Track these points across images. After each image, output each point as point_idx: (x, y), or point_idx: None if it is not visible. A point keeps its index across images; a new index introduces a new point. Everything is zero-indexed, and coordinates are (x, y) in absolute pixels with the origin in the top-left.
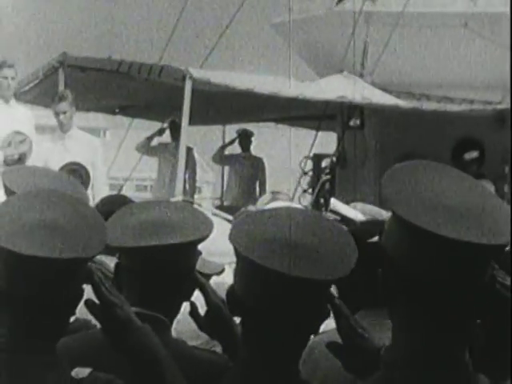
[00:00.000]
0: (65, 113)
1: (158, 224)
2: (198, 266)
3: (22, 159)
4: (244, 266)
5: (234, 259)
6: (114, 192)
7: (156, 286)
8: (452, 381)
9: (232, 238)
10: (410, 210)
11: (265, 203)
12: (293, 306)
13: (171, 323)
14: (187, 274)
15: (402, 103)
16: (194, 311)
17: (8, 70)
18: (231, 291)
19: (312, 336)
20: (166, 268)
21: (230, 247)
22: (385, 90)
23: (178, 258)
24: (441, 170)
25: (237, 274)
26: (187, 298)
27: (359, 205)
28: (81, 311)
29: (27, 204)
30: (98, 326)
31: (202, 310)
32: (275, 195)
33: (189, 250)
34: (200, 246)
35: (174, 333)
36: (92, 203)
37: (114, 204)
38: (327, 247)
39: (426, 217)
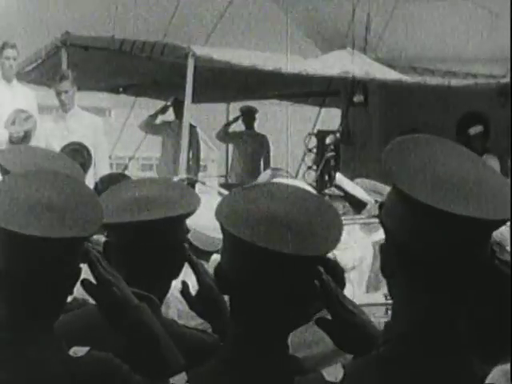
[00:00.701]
0: (66, 92)
1: (145, 200)
2: (199, 243)
3: (27, 137)
4: (230, 242)
5: None
6: (119, 172)
7: (144, 263)
8: (451, 358)
9: (218, 213)
10: (411, 183)
11: (265, 180)
12: (279, 283)
13: (161, 302)
14: (175, 250)
15: (405, 78)
16: (185, 290)
17: (10, 51)
18: (219, 268)
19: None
20: (153, 244)
21: None
22: (388, 65)
23: (165, 234)
24: (443, 145)
25: (223, 250)
26: (175, 275)
27: (363, 181)
28: (79, 291)
29: (23, 183)
30: None
31: (194, 290)
32: (275, 172)
33: (175, 226)
34: (202, 222)
35: (175, 313)
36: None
37: (112, 183)
38: (314, 223)
39: (427, 191)
